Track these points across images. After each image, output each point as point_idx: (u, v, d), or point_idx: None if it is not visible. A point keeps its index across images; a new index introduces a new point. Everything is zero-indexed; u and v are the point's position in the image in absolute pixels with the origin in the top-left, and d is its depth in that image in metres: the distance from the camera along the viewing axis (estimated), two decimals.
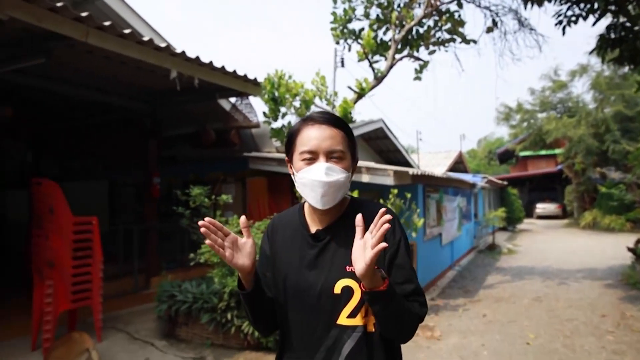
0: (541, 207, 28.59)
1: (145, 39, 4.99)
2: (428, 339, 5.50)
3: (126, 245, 7.45)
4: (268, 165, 7.59)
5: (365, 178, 6.77)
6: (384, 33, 7.78)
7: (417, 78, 7.80)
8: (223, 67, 5.97)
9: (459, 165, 24.57)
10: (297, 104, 6.60)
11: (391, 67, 6.89)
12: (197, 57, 5.57)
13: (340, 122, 1.41)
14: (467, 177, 14.38)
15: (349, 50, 8.02)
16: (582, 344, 5.25)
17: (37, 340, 4.83)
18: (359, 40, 7.68)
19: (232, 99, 7.83)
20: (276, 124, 6.61)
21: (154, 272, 7.79)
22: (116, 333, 5.36)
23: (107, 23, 4.57)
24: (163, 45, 5.24)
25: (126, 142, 8.89)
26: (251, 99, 7.60)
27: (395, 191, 6.10)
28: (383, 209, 1.32)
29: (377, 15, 7.60)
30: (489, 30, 7.93)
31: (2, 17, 3.81)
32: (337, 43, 7.79)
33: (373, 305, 1.28)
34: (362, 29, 7.68)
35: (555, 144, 23.99)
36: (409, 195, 6.63)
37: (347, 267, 1.33)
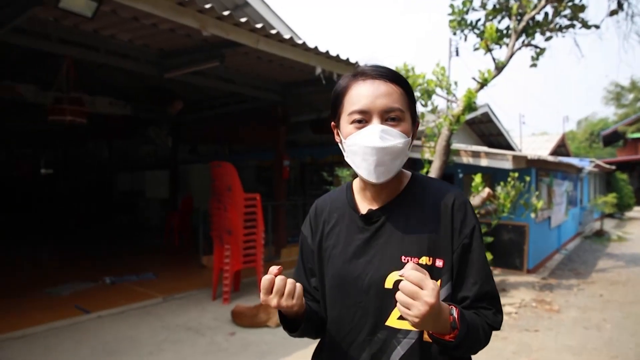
0: None
1: (300, 41, 5.83)
2: (547, 311, 5.92)
3: None
4: None
5: (483, 162, 7.21)
6: (499, 22, 8.03)
7: (533, 65, 7.97)
8: (357, 63, 6.69)
9: (560, 149, 23.58)
10: (417, 93, 7.15)
11: (511, 56, 7.20)
12: (337, 55, 6.33)
13: (398, 76, 1.16)
14: (575, 162, 14.05)
15: (465, 40, 8.36)
16: None
17: (217, 292, 5.97)
18: (475, 31, 8.02)
19: None
20: None
21: (283, 244, 8.87)
22: None
23: (273, 31, 5.44)
24: (311, 46, 6.06)
25: (254, 128, 9.99)
26: None
27: (516, 174, 6.49)
28: (453, 193, 1.18)
29: (494, 5, 7.87)
30: (613, 13, 7.87)
31: (206, 34, 4.80)
32: (454, 34, 8.18)
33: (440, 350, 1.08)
34: (479, 20, 8.00)
35: None
36: (528, 178, 6.98)
37: (403, 257, 1.11)
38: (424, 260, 1.11)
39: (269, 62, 6.65)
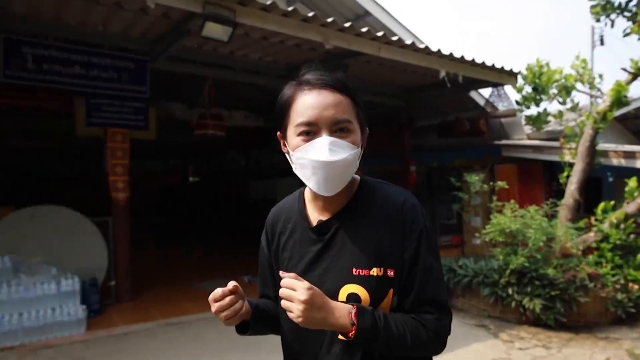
0: None
1: (421, 45, 5.75)
2: None
3: None
4: (523, 152, 7.72)
5: None
6: None
7: None
8: (483, 63, 6.37)
9: None
10: (554, 90, 6.57)
11: None
12: (462, 56, 6.09)
13: (344, 85, 1.12)
14: None
15: (612, 26, 7.45)
16: None
17: None
18: (626, 14, 7.11)
19: (482, 90, 8.16)
20: (530, 111, 6.72)
21: None
22: None
23: (394, 38, 5.45)
24: (434, 49, 5.93)
25: (378, 134, 10.03)
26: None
27: None
28: (403, 197, 1.15)
29: None
30: None
31: (329, 46, 5.00)
32: (597, 20, 7.34)
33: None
34: (630, 1, 7.07)
35: None
36: None
37: (354, 270, 1.09)
38: (375, 271, 1.09)
39: (391, 68, 6.65)
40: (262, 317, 1.28)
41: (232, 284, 1.13)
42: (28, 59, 5.09)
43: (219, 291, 1.11)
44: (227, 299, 1.11)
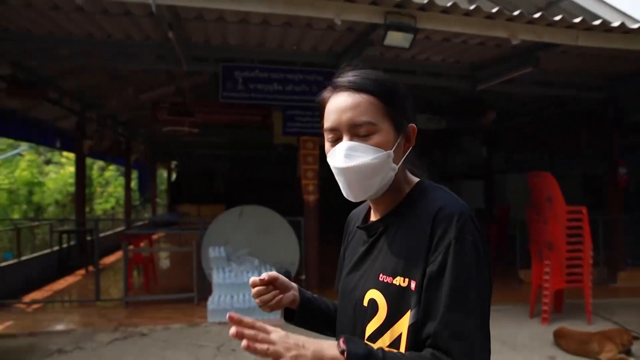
0: None
1: (634, 26, 4.94)
2: None
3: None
4: None
5: None
6: None
7: None
8: None
9: None
10: None
11: None
12: None
13: (370, 83, 1.03)
14: None
15: None
16: None
17: (534, 310, 5.64)
18: None
19: None
20: None
21: (619, 266, 7.56)
22: (602, 320, 5.55)
23: (596, 22, 4.80)
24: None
25: (577, 132, 8.93)
26: None
27: None
28: (442, 203, 1.00)
29: None
30: None
31: (516, 41, 4.68)
32: None
33: None
34: None
35: None
36: None
37: (381, 275, 1.03)
38: (398, 280, 0.99)
39: (593, 57, 5.87)
40: (312, 312, 1.29)
41: (264, 275, 1.16)
42: (239, 81, 6.02)
43: (252, 279, 1.17)
44: (255, 289, 1.16)
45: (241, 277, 5.70)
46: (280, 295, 1.19)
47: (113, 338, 4.97)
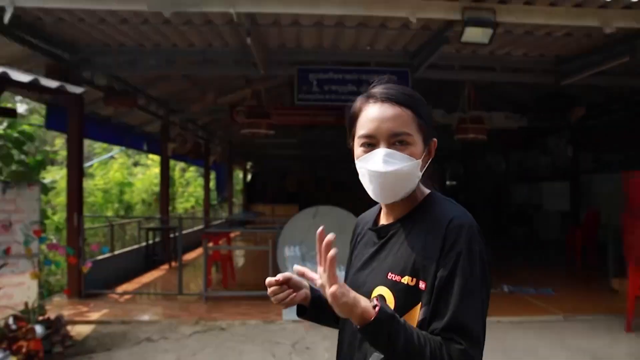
0: None
1: None
2: None
3: None
4: None
5: None
6: None
7: None
8: None
9: None
10: None
11: None
12: None
13: (408, 98, 1.16)
14: None
15: None
16: None
17: (632, 324, 5.18)
18: None
19: None
20: None
21: None
22: None
23: None
24: None
25: None
26: None
27: None
28: (453, 214, 1.11)
29: None
30: None
31: (609, 30, 4.32)
32: None
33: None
34: None
35: None
36: None
37: (389, 274, 1.14)
38: (406, 279, 1.10)
39: None
40: (322, 307, 1.34)
41: (279, 276, 1.27)
42: (313, 84, 6.12)
43: (267, 279, 1.26)
44: (270, 289, 1.26)
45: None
46: (294, 294, 1.30)
47: (194, 330, 5.24)
